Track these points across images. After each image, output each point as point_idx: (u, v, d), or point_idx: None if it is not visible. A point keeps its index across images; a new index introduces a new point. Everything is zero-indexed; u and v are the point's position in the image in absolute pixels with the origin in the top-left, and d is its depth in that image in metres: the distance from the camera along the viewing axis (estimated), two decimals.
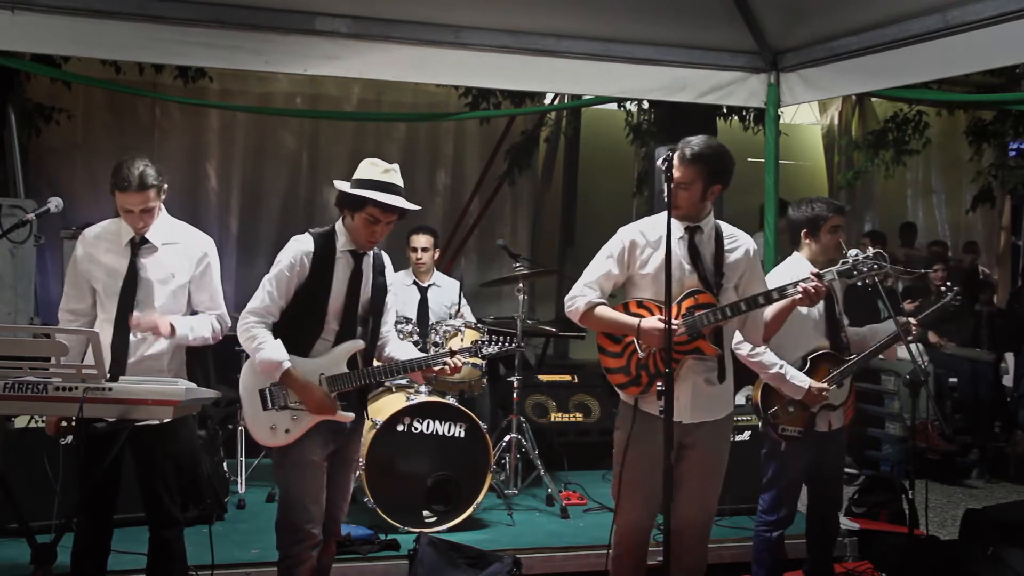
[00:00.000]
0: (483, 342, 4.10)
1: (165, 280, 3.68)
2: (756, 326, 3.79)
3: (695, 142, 3.57)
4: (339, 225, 3.67)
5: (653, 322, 3.51)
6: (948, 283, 4.84)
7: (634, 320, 3.57)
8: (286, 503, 3.61)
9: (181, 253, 3.73)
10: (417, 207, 3.63)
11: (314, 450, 3.59)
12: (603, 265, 3.69)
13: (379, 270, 3.75)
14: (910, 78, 5.40)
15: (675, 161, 3.55)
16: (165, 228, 3.73)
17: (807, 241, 4.32)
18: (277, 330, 3.60)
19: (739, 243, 3.74)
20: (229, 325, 3.84)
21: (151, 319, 3.58)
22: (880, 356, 4.48)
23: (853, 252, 3.83)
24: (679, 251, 3.60)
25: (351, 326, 3.66)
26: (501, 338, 4.10)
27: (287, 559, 3.61)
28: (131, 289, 3.62)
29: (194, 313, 3.79)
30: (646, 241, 3.65)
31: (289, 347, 3.56)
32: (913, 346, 4.45)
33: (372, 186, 3.54)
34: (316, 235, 3.63)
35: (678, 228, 3.61)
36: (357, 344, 3.66)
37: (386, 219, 3.57)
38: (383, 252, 3.83)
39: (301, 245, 3.59)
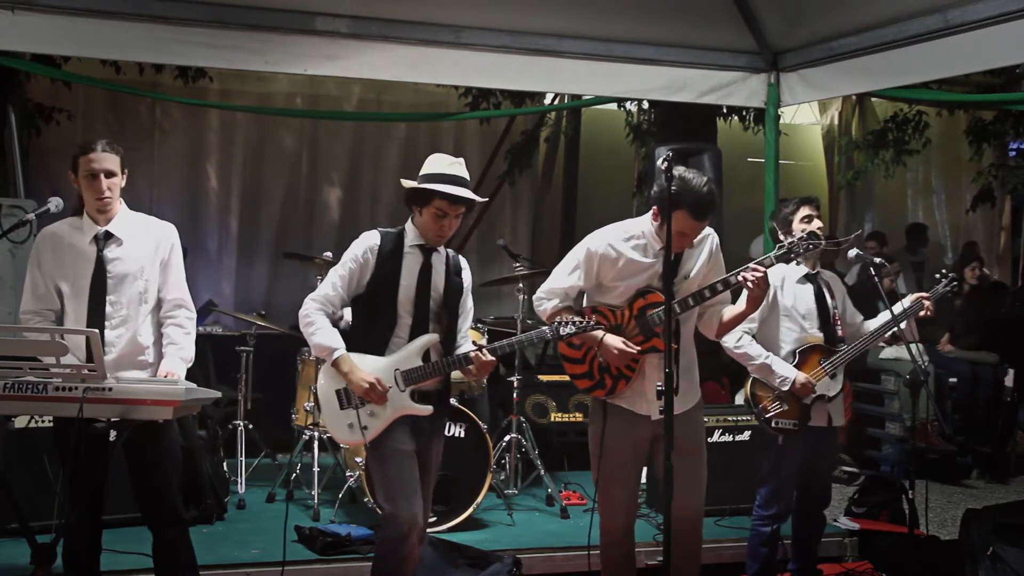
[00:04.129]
0: (562, 323, 3.67)
1: (136, 275, 3.64)
2: (709, 322, 3.84)
3: (705, 199, 3.50)
4: (409, 224, 3.70)
5: (614, 340, 3.63)
6: (943, 270, 4.74)
7: (597, 333, 3.67)
8: (385, 496, 3.58)
9: (146, 243, 3.69)
10: (484, 199, 3.64)
11: (402, 440, 3.57)
12: (568, 277, 3.82)
13: (455, 270, 3.76)
14: (910, 78, 5.41)
15: (687, 219, 3.51)
16: (128, 221, 3.70)
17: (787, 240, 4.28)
18: (352, 330, 3.65)
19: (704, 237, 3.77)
20: (194, 315, 3.81)
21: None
22: (885, 343, 4.42)
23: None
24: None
25: (423, 321, 3.65)
26: (576, 318, 3.72)
27: (387, 548, 3.55)
28: (100, 285, 3.57)
29: (159, 302, 3.72)
30: (616, 254, 3.72)
31: (365, 347, 3.59)
32: (913, 346, 4.44)
33: (438, 179, 3.57)
34: (384, 232, 3.68)
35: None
36: (432, 338, 3.65)
37: (454, 212, 3.57)
38: (460, 255, 3.84)
39: (367, 240, 3.64)
